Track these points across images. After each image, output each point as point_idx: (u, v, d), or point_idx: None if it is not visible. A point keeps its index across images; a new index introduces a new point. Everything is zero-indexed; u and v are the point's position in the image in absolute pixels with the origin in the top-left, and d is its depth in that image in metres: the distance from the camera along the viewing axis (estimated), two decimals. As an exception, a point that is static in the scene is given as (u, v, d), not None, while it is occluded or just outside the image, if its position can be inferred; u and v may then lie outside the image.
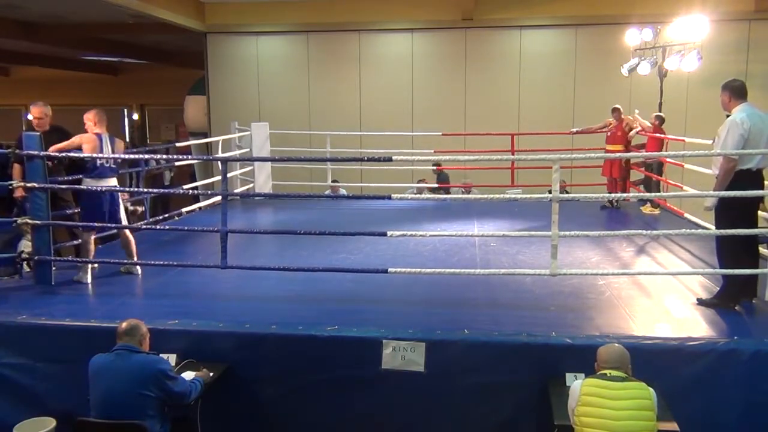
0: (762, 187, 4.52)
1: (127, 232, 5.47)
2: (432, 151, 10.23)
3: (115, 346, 3.51)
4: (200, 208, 9.32)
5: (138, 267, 5.48)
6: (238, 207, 9.21)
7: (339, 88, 13.15)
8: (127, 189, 7.85)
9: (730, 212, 4.42)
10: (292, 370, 4.14)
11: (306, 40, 13.22)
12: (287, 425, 4.23)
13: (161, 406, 3.49)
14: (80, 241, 5.46)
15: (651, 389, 3.20)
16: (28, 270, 5.43)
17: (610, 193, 8.54)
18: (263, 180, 9.83)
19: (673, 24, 9.77)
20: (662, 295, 4.92)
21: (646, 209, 8.54)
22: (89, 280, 5.20)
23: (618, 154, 8.34)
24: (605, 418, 3.07)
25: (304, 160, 9.56)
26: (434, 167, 10.50)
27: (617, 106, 8.89)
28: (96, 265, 5.43)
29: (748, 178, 4.29)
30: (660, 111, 9.68)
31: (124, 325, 3.56)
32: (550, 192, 4.74)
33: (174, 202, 10.70)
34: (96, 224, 5.25)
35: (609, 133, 8.81)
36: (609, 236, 6.53)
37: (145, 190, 7.07)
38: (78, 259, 5.27)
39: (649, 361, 3.74)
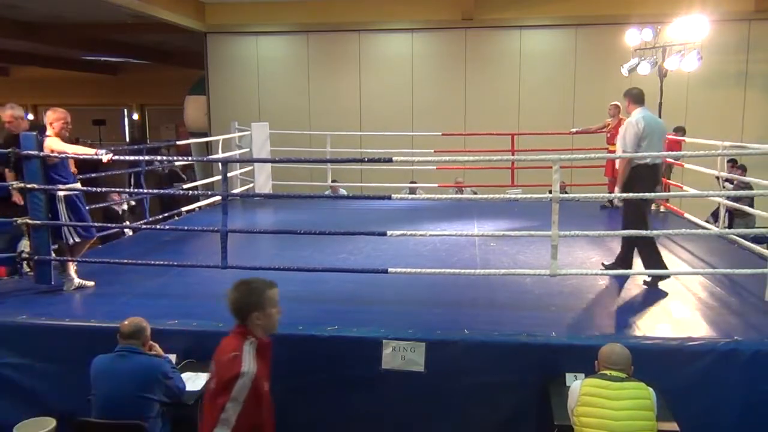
0: (658, 179, 5.38)
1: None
2: (432, 151, 10.24)
3: (117, 347, 3.52)
4: (200, 207, 9.32)
5: (71, 282, 5.10)
6: (238, 207, 9.20)
7: (339, 88, 13.16)
8: (122, 190, 7.83)
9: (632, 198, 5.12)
10: (292, 370, 4.14)
11: (306, 40, 13.23)
12: (287, 425, 4.22)
13: (162, 406, 3.49)
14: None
15: (651, 389, 3.20)
16: (28, 270, 5.42)
17: (611, 193, 8.54)
18: (263, 180, 9.83)
19: (673, 24, 9.77)
20: (662, 295, 4.91)
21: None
22: (83, 282, 5.16)
23: (617, 155, 8.31)
24: (605, 418, 3.07)
25: (304, 161, 9.55)
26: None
27: (616, 102, 8.88)
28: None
29: (645, 170, 5.10)
30: (660, 111, 9.68)
31: (126, 323, 3.56)
32: (550, 192, 4.74)
33: (182, 201, 10.63)
34: (93, 224, 5.21)
35: (609, 134, 8.81)
36: (609, 236, 6.53)
37: (144, 190, 7.06)
38: (78, 258, 5.24)
39: (649, 361, 3.73)
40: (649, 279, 5.16)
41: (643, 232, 4.97)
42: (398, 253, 6.11)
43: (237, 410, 2.55)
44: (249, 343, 2.72)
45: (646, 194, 4.89)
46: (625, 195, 4.99)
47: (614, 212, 8.68)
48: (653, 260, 5.12)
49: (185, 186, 9.00)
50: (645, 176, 5.08)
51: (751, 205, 7.89)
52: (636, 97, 5.29)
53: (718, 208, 7.83)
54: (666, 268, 5.17)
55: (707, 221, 8.30)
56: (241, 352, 2.66)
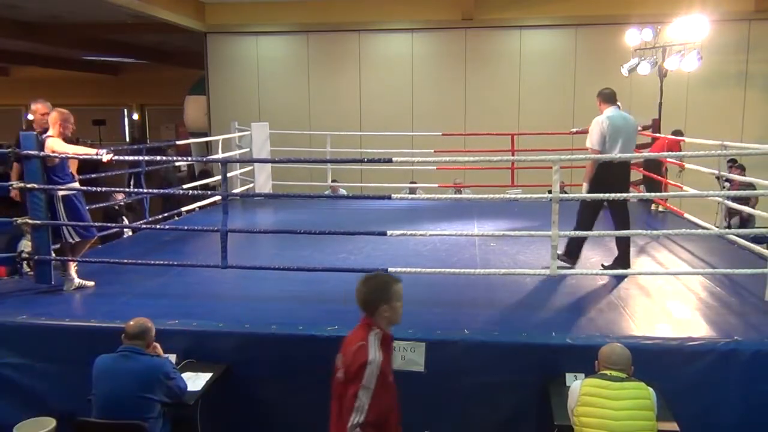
0: (623, 175, 5.48)
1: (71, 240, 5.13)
2: (432, 151, 10.24)
3: (121, 347, 3.52)
4: (200, 207, 9.32)
5: (71, 282, 5.09)
6: (238, 207, 9.21)
7: (339, 88, 13.16)
8: (125, 190, 7.84)
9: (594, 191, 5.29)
10: (292, 370, 4.14)
11: (306, 40, 13.23)
12: (287, 425, 4.23)
13: (162, 407, 3.49)
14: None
15: (650, 389, 3.19)
16: (28, 270, 5.42)
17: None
18: (263, 180, 9.83)
19: (673, 24, 9.77)
20: (662, 295, 4.91)
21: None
22: (83, 282, 5.16)
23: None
24: (605, 418, 3.07)
25: (304, 161, 9.56)
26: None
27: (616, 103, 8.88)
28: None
29: (612, 168, 5.31)
30: (660, 110, 9.68)
31: (132, 324, 3.56)
32: (550, 192, 4.74)
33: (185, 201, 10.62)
34: (93, 224, 5.22)
35: None
36: (609, 236, 6.53)
37: (145, 191, 7.05)
38: (78, 258, 5.24)
39: (649, 361, 3.74)
40: (562, 253, 5.41)
41: (621, 232, 5.31)
42: (398, 253, 6.11)
43: (369, 397, 2.71)
44: (374, 334, 2.85)
45: (651, 194, 4.93)
46: (629, 195, 5.03)
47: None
48: (574, 246, 5.48)
49: (185, 186, 8.98)
50: (611, 174, 5.27)
51: (754, 206, 7.89)
52: (606, 97, 5.58)
53: (731, 209, 7.78)
54: (574, 261, 5.47)
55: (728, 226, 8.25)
56: (366, 342, 2.81)
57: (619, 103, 5.67)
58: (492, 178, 10.19)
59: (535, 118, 12.12)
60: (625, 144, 5.34)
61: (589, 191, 5.23)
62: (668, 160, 8.29)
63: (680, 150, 8.16)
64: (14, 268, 5.65)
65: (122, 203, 8.63)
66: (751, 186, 7.90)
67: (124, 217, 8.63)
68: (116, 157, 5.13)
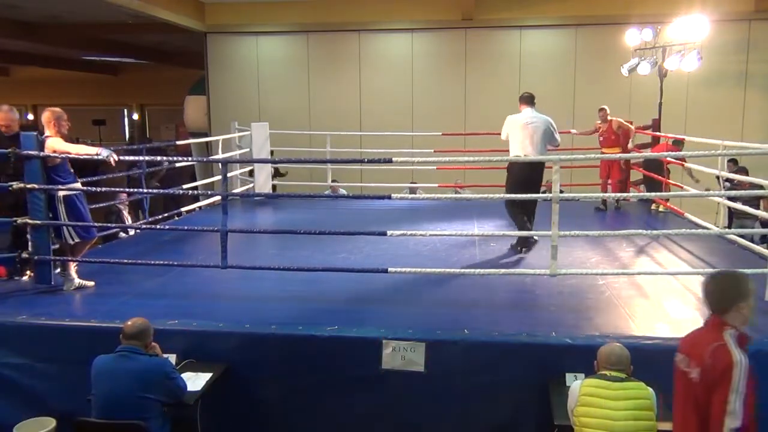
0: (537, 171, 6.08)
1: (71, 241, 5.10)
2: (432, 151, 10.24)
3: (119, 347, 3.52)
4: (200, 207, 9.32)
5: (71, 282, 5.08)
6: (238, 207, 9.21)
7: (339, 88, 13.17)
8: (127, 190, 7.84)
9: (509, 182, 6.17)
10: (292, 370, 4.14)
11: (306, 40, 13.24)
12: (287, 425, 4.23)
13: (162, 406, 3.49)
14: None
15: (650, 389, 3.19)
16: (28, 270, 5.42)
17: (604, 193, 8.57)
18: (263, 180, 9.83)
19: (673, 24, 9.77)
20: (662, 295, 4.91)
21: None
22: (83, 282, 5.15)
23: (617, 155, 8.37)
24: (605, 419, 3.07)
25: (305, 161, 9.55)
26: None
27: (603, 106, 8.89)
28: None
29: (518, 162, 5.99)
30: (660, 110, 9.68)
31: (130, 324, 3.56)
32: (548, 191, 4.74)
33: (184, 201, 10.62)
34: (93, 224, 5.22)
35: (602, 138, 8.80)
36: (609, 236, 6.53)
37: (145, 191, 7.05)
38: (79, 258, 5.24)
39: (649, 361, 3.73)
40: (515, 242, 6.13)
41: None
42: (398, 253, 6.11)
43: (742, 401, 2.52)
44: (729, 333, 2.64)
45: (651, 194, 4.89)
46: (628, 195, 5.00)
47: (614, 212, 8.69)
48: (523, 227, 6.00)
49: (185, 186, 8.97)
50: (528, 171, 5.93)
51: (758, 206, 7.86)
52: (523, 99, 6.39)
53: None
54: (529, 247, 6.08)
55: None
56: (724, 341, 2.61)
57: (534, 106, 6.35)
58: (492, 178, 10.18)
59: (535, 118, 12.11)
60: (536, 143, 6.04)
61: (511, 187, 5.97)
62: (669, 159, 8.30)
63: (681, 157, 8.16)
64: (14, 268, 5.65)
65: (127, 206, 8.60)
66: (759, 188, 7.87)
67: (128, 216, 8.61)
68: (122, 158, 5.11)
